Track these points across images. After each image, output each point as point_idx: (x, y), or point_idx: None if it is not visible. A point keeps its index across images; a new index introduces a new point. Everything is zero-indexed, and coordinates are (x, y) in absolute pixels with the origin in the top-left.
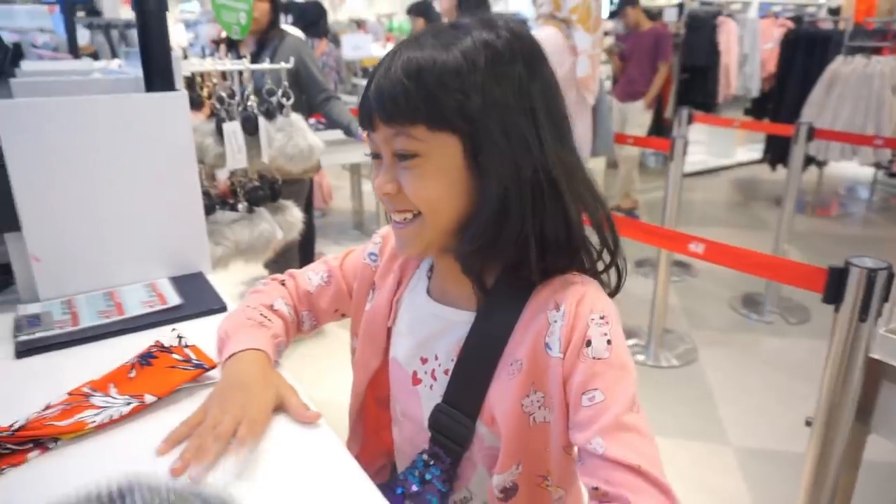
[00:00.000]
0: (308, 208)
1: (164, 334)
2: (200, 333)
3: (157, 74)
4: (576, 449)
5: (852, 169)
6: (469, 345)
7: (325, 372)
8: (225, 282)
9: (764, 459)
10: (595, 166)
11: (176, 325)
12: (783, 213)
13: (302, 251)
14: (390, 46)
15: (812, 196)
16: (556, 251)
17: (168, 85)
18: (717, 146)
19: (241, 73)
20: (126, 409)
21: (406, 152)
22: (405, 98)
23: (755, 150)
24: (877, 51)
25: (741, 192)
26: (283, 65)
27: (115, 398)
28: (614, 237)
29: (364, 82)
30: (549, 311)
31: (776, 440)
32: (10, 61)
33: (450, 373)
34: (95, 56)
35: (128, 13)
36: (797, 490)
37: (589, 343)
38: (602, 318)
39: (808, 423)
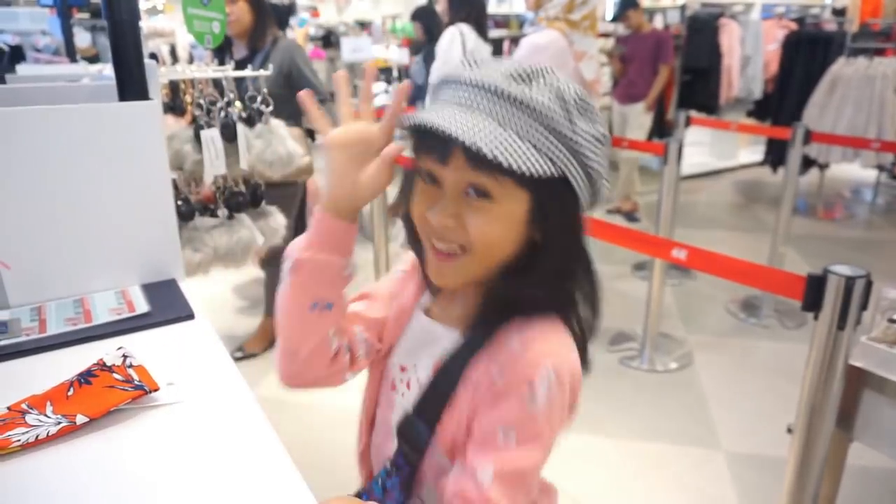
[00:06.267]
0: (302, 212)
1: (110, 351)
2: (165, 342)
3: (130, 84)
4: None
5: (856, 171)
6: (447, 361)
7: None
8: (209, 287)
9: (755, 465)
10: None
11: (125, 344)
12: (780, 216)
13: None
14: (393, 48)
15: (815, 198)
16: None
17: (141, 94)
18: (719, 148)
19: (215, 80)
20: (54, 430)
21: (484, 189)
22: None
23: (758, 152)
24: (880, 52)
25: (743, 194)
26: (261, 72)
27: (48, 417)
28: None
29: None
30: (513, 346)
31: (768, 445)
32: (7, 65)
33: (423, 385)
34: (97, 58)
35: None
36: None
37: (531, 386)
38: (556, 377)
39: (790, 431)
